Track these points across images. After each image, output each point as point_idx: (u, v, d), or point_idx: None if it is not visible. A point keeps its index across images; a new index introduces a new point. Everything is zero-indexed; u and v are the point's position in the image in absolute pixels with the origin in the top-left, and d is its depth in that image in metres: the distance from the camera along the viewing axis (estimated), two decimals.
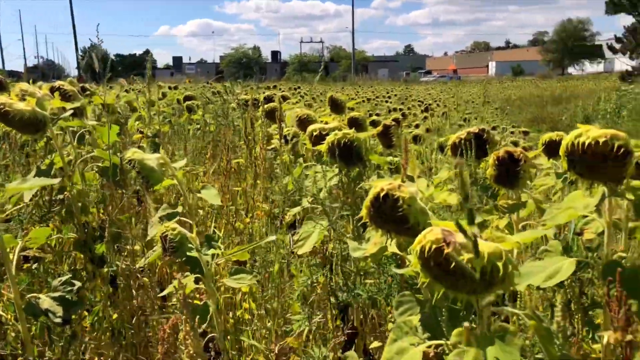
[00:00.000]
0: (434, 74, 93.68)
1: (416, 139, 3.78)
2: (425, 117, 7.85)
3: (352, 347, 1.54)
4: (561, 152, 1.13)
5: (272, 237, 1.36)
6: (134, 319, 1.71)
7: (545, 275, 1.22)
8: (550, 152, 2.03)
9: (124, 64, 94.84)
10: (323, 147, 1.44)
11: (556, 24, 77.36)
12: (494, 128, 9.03)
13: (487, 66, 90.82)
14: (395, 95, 17.76)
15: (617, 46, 23.88)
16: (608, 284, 1.12)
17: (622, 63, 26.47)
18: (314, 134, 1.62)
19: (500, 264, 0.76)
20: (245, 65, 74.86)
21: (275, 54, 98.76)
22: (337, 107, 3.48)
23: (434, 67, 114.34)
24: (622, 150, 1.05)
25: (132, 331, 1.80)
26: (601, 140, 1.05)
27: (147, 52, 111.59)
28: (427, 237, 0.77)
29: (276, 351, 1.40)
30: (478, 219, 1.62)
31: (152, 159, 1.36)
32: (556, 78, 50.03)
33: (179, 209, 1.39)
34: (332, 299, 1.48)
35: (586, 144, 1.06)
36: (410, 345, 0.92)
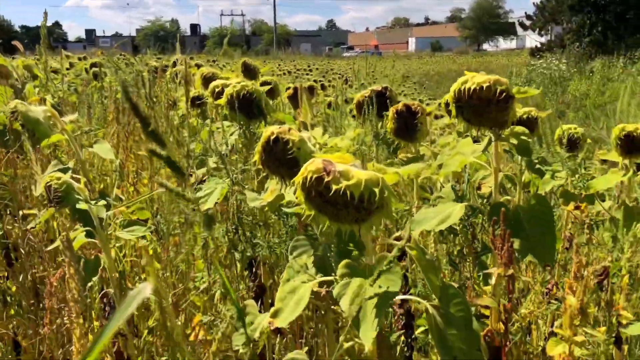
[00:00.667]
0: (356, 49, 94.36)
1: (330, 106, 3.80)
2: (345, 89, 7.90)
3: (260, 303, 1.54)
4: (449, 99, 1.17)
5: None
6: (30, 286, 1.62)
7: (438, 220, 1.27)
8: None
9: (30, 36, 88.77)
10: (222, 101, 1.41)
11: (472, 1, 79.88)
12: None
13: (407, 42, 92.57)
14: (317, 69, 17.75)
15: (528, 23, 24.92)
16: (494, 225, 1.18)
17: (533, 40, 27.82)
18: (216, 90, 1.59)
19: (377, 190, 0.77)
20: (162, 39, 72.01)
21: (194, 27, 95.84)
22: (249, 72, 3.44)
23: (356, 42, 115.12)
24: (503, 94, 1.10)
25: (32, 301, 1.71)
26: (485, 85, 1.09)
27: (56, 23, 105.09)
28: (308, 168, 0.78)
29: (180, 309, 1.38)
30: None
31: (38, 111, 1.28)
32: (472, 54, 51.86)
33: (71, 164, 1.32)
34: (237, 255, 1.47)
35: (471, 89, 1.10)
36: (302, 284, 0.93)
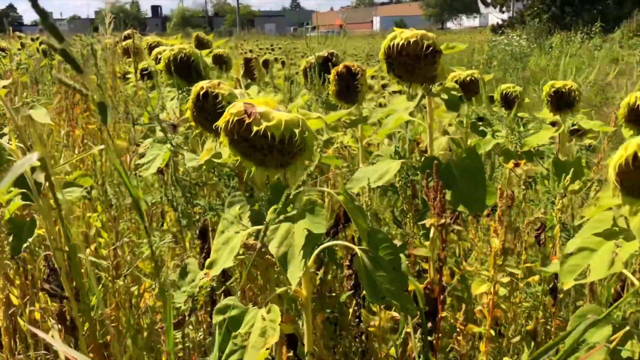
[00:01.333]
0: (321, 29, 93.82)
1: (287, 79, 3.80)
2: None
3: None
4: (380, 55, 1.19)
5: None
6: None
7: (376, 177, 1.31)
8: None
9: None
10: (160, 65, 1.41)
11: None
12: (373, 77, 9.27)
13: (372, 21, 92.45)
14: (280, 48, 17.61)
15: (489, 0, 25.04)
16: (427, 177, 1.22)
17: (495, 17, 28.08)
18: (158, 56, 1.57)
19: (297, 131, 0.79)
20: (122, 21, 70.27)
21: (155, 9, 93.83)
22: (202, 44, 3.40)
23: (321, 22, 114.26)
24: (430, 48, 1.12)
25: None
26: (412, 39, 1.12)
27: (10, 6, 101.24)
28: (230, 111, 0.79)
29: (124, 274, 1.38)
30: (325, 136, 1.69)
31: None
32: (435, 32, 52.03)
33: (6, 130, 1.30)
34: (184, 222, 1.48)
35: (399, 44, 1.13)
36: (235, 234, 0.95)
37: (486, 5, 24.06)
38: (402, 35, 1.14)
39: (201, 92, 0.97)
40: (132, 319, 1.28)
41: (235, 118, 0.78)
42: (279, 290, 0.94)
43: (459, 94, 1.23)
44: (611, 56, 13.53)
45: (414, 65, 1.15)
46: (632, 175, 0.69)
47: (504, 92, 1.70)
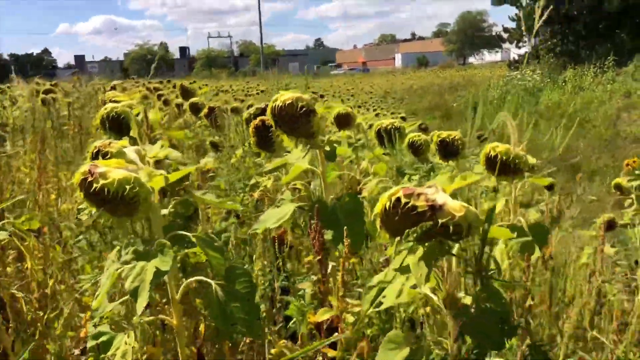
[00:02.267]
0: (344, 66, 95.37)
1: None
2: None
3: None
4: (268, 114, 1.37)
5: None
6: None
7: (276, 219, 1.47)
8: (340, 123, 2.30)
9: (19, 64, 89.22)
10: (96, 122, 1.61)
11: (457, 15, 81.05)
12: (377, 115, 9.47)
13: (394, 58, 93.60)
14: (295, 87, 18.04)
15: (505, 36, 25.27)
16: (310, 219, 1.37)
17: (515, 52, 28.25)
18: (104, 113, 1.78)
19: (129, 187, 0.96)
20: (150, 62, 72.41)
21: (183, 50, 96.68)
22: (187, 94, 3.64)
23: (343, 60, 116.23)
24: (304, 109, 1.30)
25: None
26: (288, 102, 1.29)
27: (45, 50, 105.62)
28: (79, 171, 0.97)
29: None
30: (252, 181, 1.86)
31: None
32: (456, 67, 52.42)
33: None
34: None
35: (279, 106, 1.30)
36: (114, 271, 1.11)
37: (502, 41, 24.22)
38: (281, 98, 1.31)
39: (94, 151, 1.16)
40: None
41: (82, 177, 0.95)
42: (146, 318, 1.09)
43: (336, 147, 1.39)
44: (624, 89, 13.53)
45: (293, 123, 1.32)
46: (392, 220, 0.83)
47: (411, 140, 1.83)
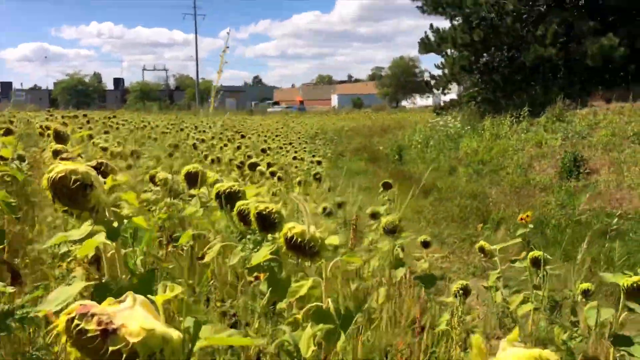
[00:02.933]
0: (282, 104, 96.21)
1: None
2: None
3: None
4: (44, 185, 1.22)
5: None
6: None
7: (62, 299, 1.30)
8: (190, 182, 2.18)
9: None
10: None
11: (391, 61, 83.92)
12: (295, 158, 9.42)
13: (331, 98, 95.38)
14: (222, 125, 17.85)
15: (432, 83, 26.17)
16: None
17: (443, 99, 29.34)
18: None
19: None
20: (81, 93, 70.43)
21: (117, 81, 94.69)
22: (60, 138, 3.44)
23: (281, 98, 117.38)
24: (77, 183, 1.16)
25: None
26: (60, 175, 1.15)
27: None
28: None
29: None
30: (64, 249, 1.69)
31: None
32: (388, 110, 53.97)
33: None
34: None
35: (54, 178, 1.16)
36: None
37: (430, 88, 25.13)
38: (56, 169, 1.17)
39: None
40: None
41: None
42: None
43: (123, 223, 1.26)
44: (536, 139, 14.21)
45: (72, 196, 1.18)
46: (73, 343, 0.70)
47: (239, 209, 1.71)
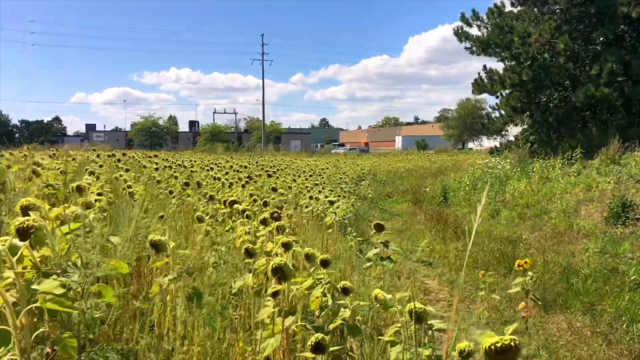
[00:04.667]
0: (347, 146, 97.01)
1: None
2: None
3: None
4: None
5: None
6: None
7: None
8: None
9: (29, 130, 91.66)
10: None
11: (458, 102, 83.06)
12: (311, 197, 9.33)
13: (395, 140, 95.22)
14: (273, 165, 18.10)
15: (487, 123, 25.64)
16: None
17: (506, 139, 28.56)
18: None
19: None
20: (154, 134, 74.00)
21: (192, 124, 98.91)
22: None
23: (347, 139, 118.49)
24: None
25: None
26: None
27: (56, 118, 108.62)
28: None
29: None
30: None
31: None
32: (450, 152, 53.11)
33: None
34: None
35: None
36: None
37: (487, 130, 24.58)
38: None
39: None
40: None
41: None
42: None
43: None
44: (586, 182, 13.45)
45: None
46: None
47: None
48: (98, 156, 11.40)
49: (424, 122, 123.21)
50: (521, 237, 10.59)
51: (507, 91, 19.73)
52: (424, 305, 2.13)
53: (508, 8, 19.37)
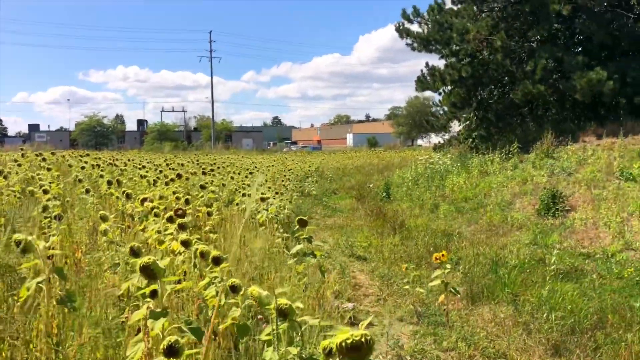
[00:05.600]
0: (299, 144, 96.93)
1: None
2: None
3: None
4: None
5: None
6: None
7: None
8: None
9: None
10: None
11: (406, 100, 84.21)
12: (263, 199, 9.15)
13: (346, 138, 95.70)
14: (214, 163, 17.75)
15: (432, 120, 26.05)
16: None
17: (452, 136, 29.05)
18: None
19: None
20: (99, 134, 71.86)
21: (140, 123, 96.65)
22: None
23: (300, 138, 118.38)
24: None
25: None
26: None
27: None
28: None
29: None
30: None
31: None
32: (399, 149, 53.76)
33: None
34: None
35: None
36: None
37: (431, 127, 24.96)
38: None
39: None
40: None
41: None
42: None
43: None
44: (522, 176, 13.78)
45: None
46: None
47: None
48: (23, 156, 10.85)
49: (375, 120, 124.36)
50: (458, 230, 10.72)
51: (449, 88, 20.06)
52: (290, 303, 2.01)
53: (448, 5, 19.68)
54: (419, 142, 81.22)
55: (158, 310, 2.35)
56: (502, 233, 10.34)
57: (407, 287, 6.23)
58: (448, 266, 5.13)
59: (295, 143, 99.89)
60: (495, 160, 15.78)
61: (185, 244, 3.53)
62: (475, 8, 19.24)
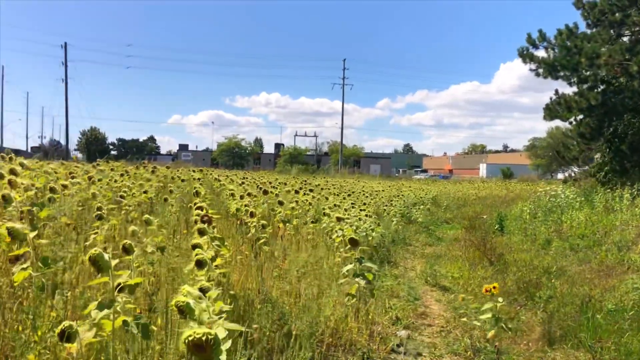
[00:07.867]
0: (430, 172, 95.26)
1: None
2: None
3: None
4: None
5: None
6: None
7: None
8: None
9: (125, 147, 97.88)
10: None
11: (548, 130, 79.27)
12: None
13: (479, 167, 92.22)
14: (333, 186, 18.05)
15: (563, 152, 24.47)
16: None
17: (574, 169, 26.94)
18: None
19: None
20: (237, 155, 76.64)
21: (277, 146, 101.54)
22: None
23: (431, 166, 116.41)
24: None
25: None
26: None
27: (151, 138, 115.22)
28: None
29: None
30: None
31: None
32: (532, 182, 50.68)
33: None
34: None
35: None
36: None
37: (562, 158, 23.38)
38: None
39: None
40: None
41: None
42: None
43: None
44: None
45: None
46: None
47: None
48: (153, 172, 12.00)
49: (513, 151, 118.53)
50: (562, 268, 9.81)
51: (580, 117, 18.62)
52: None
53: (582, 29, 18.36)
54: (559, 175, 75.85)
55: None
56: (615, 275, 9.28)
57: (464, 319, 5.84)
58: (500, 299, 4.74)
59: (425, 171, 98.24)
60: (625, 197, 14.28)
61: (195, 247, 3.64)
62: (612, 32, 17.77)
